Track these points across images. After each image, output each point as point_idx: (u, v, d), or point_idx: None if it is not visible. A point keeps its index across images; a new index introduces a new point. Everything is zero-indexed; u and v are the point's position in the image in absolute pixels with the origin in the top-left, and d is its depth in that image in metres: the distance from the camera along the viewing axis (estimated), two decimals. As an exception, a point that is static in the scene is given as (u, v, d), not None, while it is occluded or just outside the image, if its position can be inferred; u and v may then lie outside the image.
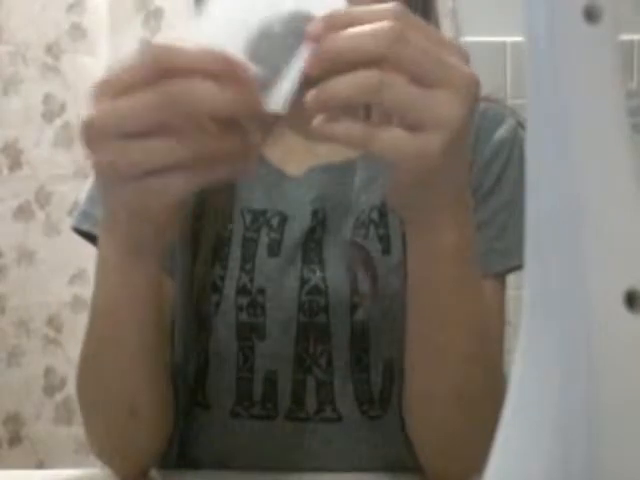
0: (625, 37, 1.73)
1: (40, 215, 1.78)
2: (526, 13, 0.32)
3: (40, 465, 1.76)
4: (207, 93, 0.52)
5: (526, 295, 0.32)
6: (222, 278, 0.79)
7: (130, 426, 0.72)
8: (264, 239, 0.79)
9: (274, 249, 0.79)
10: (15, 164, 1.78)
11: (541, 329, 0.31)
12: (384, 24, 0.51)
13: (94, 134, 0.54)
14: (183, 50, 0.53)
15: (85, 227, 0.80)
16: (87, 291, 1.78)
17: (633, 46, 1.79)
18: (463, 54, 0.54)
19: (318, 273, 0.78)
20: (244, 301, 0.78)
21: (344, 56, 0.52)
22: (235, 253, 0.79)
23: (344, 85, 0.51)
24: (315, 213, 0.80)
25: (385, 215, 0.79)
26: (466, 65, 0.53)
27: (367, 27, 0.51)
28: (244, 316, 0.78)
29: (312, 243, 0.79)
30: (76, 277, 1.76)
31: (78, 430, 1.70)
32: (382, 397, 0.79)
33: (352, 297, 0.77)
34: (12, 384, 1.78)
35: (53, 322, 1.78)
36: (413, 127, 0.52)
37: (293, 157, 0.82)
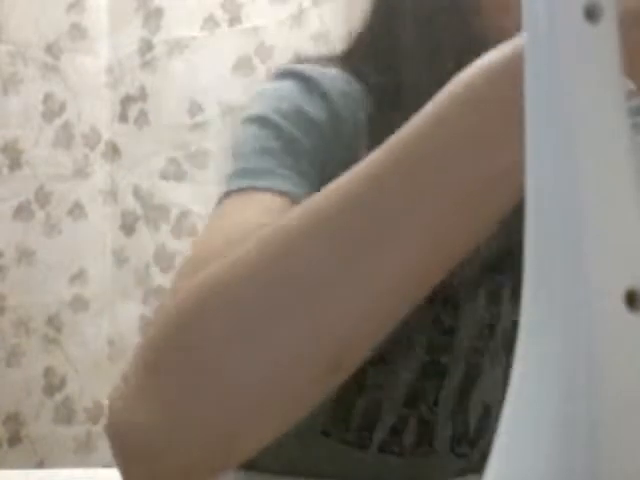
0: (625, 37, 1.73)
1: (40, 215, 1.78)
2: (526, 13, 0.32)
3: (40, 465, 1.76)
4: None
5: (526, 295, 0.32)
6: None
7: (320, 380, 0.50)
8: None
9: None
10: (15, 164, 1.78)
11: (541, 329, 0.31)
12: None
13: None
14: None
15: (245, 184, 0.68)
16: (87, 291, 1.79)
17: (633, 46, 1.79)
18: None
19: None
20: None
21: None
22: None
23: None
24: None
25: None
26: None
27: None
28: None
29: None
30: (76, 277, 1.76)
31: (78, 430, 1.70)
32: (475, 437, 0.77)
33: (474, 340, 0.75)
34: (12, 384, 1.78)
35: (53, 322, 1.78)
36: None
37: None
